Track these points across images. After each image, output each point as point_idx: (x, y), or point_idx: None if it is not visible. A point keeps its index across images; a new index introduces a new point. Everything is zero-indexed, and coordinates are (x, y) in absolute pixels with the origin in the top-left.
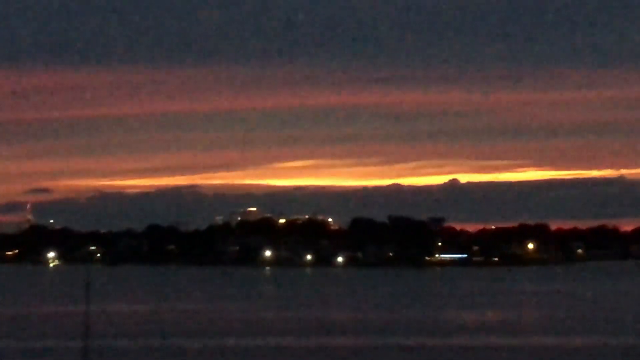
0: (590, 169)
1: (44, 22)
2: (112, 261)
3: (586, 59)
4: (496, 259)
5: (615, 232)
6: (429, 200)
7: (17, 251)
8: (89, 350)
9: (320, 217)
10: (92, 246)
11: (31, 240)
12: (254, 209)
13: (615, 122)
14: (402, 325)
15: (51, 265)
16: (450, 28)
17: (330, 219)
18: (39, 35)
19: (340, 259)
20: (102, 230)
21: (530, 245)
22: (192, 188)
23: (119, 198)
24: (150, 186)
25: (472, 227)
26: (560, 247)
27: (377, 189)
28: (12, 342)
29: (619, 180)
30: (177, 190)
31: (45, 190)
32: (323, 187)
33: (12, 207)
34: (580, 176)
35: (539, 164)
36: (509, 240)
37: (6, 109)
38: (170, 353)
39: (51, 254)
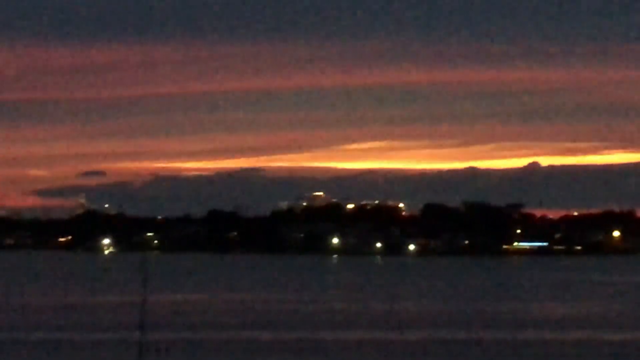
0: None
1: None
2: (169, 248)
3: None
4: (579, 247)
5: None
6: (507, 185)
7: (70, 238)
8: (145, 342)
9: (390, 203)
10: (149, 232)
11: (85, 226)
12: (321, 193)
13: None
14: (477, 317)
15: (106, 252)
16: (535, 5)
17: (401, 205)
18: (96, 12)
19: (411, 247)
20: (160, 216)
21: (616, 234)
22: (254, 171)
23: (177, 181)
24: (211, 169)
25: (553, 214)
26: None
27: (451, 172)
28: (65, 333)
29: None
30: (238, 174)
31: (99, 173)
32: (394, 171)
33: (65, 191)
34: None
35: (627, 146)
36: (593, 227)
37: (60, 88)
38: (230, 345)
39: (106, 241)
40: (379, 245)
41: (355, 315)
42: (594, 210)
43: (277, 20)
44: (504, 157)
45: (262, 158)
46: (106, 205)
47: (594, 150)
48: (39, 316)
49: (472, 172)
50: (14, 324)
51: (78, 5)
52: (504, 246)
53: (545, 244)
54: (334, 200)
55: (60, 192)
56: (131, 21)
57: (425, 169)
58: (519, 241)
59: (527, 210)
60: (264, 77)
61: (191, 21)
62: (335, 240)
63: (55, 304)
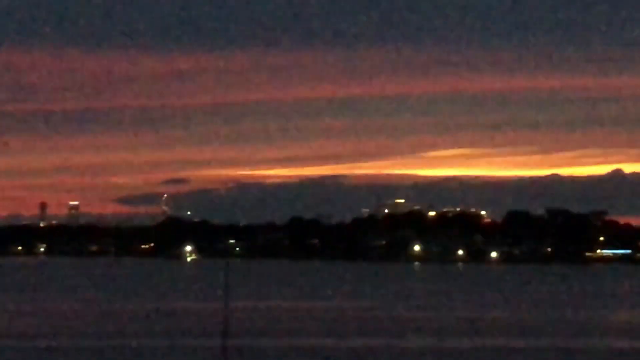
0: None
1: (184, 6)
2: (251, 255)
3: None
4: None
5: None
6: (590, 192)
7: (152, 245)
8: (228, 349)
9: (473, 210)
10: (231, 239)
11: (167, 234)
12: (402, 200)
13: None
14: (561, 326)
15: (188, 259)
16: (615, 12)
17: (483, 212)
18: (179, 20)
19: (494, 255)
20: (242, 223)
21: None
22: (336, 178)
23: (260, 189)
24: (292, 176)
25: (637, 221)
26: None
27: (534, 179)
28: (148, 340)
29: None
30: (320, 181)
31: (182, 181)
32: (476, 178)
33: (148, 198)
34: None
35: None
36: None
37: (144, 96)
38: (312, 352)
39: (188, 248)
40: (461, 252)
41: (437, 323)
42: None
43: (358, 27)
44: (587, 164)
45: (344, 165)
46: (189, 213)
47: None
48: (121, 323)
49: (555, 179)
50: (97, 331)
51: (161, 14)
52: (587, 254)
53: (628, 251)
54: (416, 207)
55: (143, 199)
56: (214, 29)
57: (507, 176)
58: (602, 248)
59: (611, 217)
60: (346, 85)
61: (273, 28)
62: (417, 248)
63: (138, 310)
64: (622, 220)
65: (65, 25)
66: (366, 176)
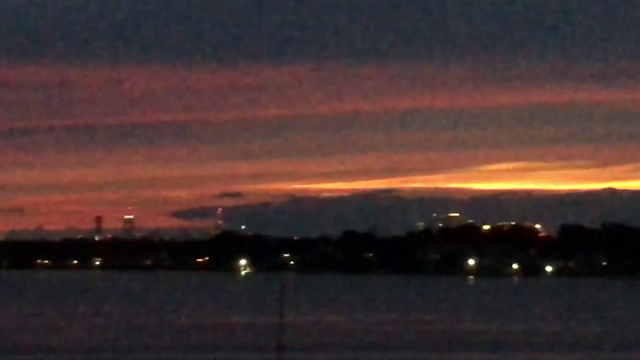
0: None
1: (241, 20)
2: (306, 269)
3: None
4: None
5: None
6: None
7: (207, 258)
8: None
9: (527, 224)
10: (286, 253)
11: (222, 247)
12: (457, 214)
13: None
14: (617, 339)
15: (242, 273)
16: None
17: (538, 226)
18: (237, 34)
19: (549, 269)
20: (296, 237)
21: None
22: (390, 192)
23: (314, 203)
24: (347, 190)
25: None
26: None
27: (589, 193)
28: (203, 354)
29: None
30: (375, 195)
31: (237, 195)
32: (530, 192)
33: (203, 212)
34: None
35: None
36: None
37: (199, 109)
38: None
39: (242, 262)
40: (515, 266)
41: (491, 337)
42: None
43: (417, 43)
44: None
45: (399, 179)
46: (243, 227)
47: None
48: (177, 336)
49: (611, 193)
50: (153, 345)
51: (218, 29)
52: None
53: None
54: (470, 221)
55: (198, 213)
56: (273, 43)
57: (562, 190)
58: None
59: None
60: (400, 98)
61: (330, 42)
62: (471, 262)
63: (192, 324)
64: None
65: (121, 40)
66: (421, 190)
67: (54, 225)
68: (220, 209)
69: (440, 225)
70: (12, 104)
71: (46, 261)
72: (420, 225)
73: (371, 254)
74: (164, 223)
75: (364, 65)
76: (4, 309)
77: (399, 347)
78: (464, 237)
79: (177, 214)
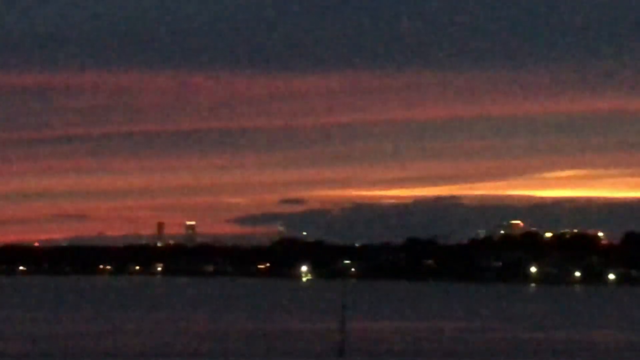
0: None
1: (299, 29)
2: (367, 276)
3: None
4: None
5: None
6: None
7: (268, 265)
8: None
9: (589, 231)
10: (347, 260)
11: (283, 254)
12: (518, 222)
13: None
14: None
15: (303, 279)
16: None
17: (600, 233)
18: (296, 41)
19: (612, 276)
20: (357, 243)
21: None
22: (452, 199)
23: (375, 209)
24: (409, 197)
25: None
26: None
27: None
28: (260, 359)
29: None
30: (437, 202)
31: (298, 201)
32: (593, 199)
33: (264, 218)
34: None
35: None
36: None
37: (261, 116)
38: None
39: (304, 268)
40: (577, 274)
41: (553, 345)
42: None
43: (477, 51)
44: None
45: (460, 186)
46: (304, 233)
47: None
48: (238, 343)
49: None
50: (215, 351)
51: (278, 36)
52: None
53: None
54: (532, 228)
55: (259, 219)
56: (329, 49)
57: (625, 197)
58: None
59: None
60: (462, 105)
61: (391, 49)
62: (533, 269)
63: (254, 330)
64: None
65: (184, 47)
66: (482, 197)
67: (116, 231)
68: (282, 216)
69: (502, 232)
70: (75, 110)
71: (108, 267)
72: (482, 232)
73: (433, 261)
74: (225, 229)
75: (426, 74)
76: (68, 313)
77: (461, 354)
78: (526, 244)
79: (239, 220)
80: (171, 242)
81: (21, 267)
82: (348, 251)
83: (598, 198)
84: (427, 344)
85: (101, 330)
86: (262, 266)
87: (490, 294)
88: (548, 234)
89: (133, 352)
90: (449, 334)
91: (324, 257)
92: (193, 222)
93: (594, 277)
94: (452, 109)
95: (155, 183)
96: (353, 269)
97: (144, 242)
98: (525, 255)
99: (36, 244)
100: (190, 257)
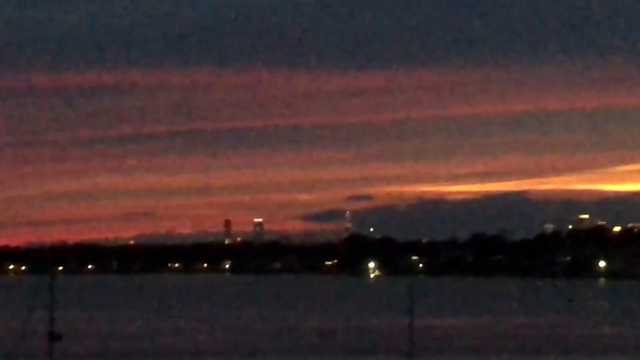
0: None
1: (360, 26)
2: (434, 272)
3: None
4: None
5: None
6: None
7: (335, 261)
8: None
9: None
10: (414, 256)
11: (351, 250)
12: (586, 216)
13: None
14: None
15: (371, 275)
16: None
17: None
18: (361, 39)
19: None
20: (424, 240)
21: None
22: (519, 194)
23: (442, 205)
24: (475, 192)
25: None
26: None
27: None
28: (335, 356)
29: None
30: (503, 197)
31: (365, 197)
32: None
33: (332, 215)
34: None
35: None
36: None
37: (326, 113)
38: None
39: (371, 264)
40: None
41: (624, 340)
42: None
43: (542, 42)
44: None
45: (528, 181)
46: (372, 229)
47: None
48: (307, 340)
49: None
50: (282, 348)
51: (348, 33)
52: None
53: None
54: (600, 223)
55: (326, 216)
56: (394, 46)
57: None
58: None
59: None
60: (529, 100)
61: (457, 45)
62: (601, 264)
63: (323, 328)
64: None
65: (253, 44)
66: (550, 192)
67: (184, 229)
68: (349, 212)
69: (570, 227)
70: (145, 108)
71: (176, 265)
72: (550, 227)
73: (500, 257)
74: (292, 226)
75: (494, 69)
76: (137, 312)
77: (531, 350)
78: (594, 239)
79: (306, 217)
80: (239, 239)
81: (90, 266)
82: (415, 247)
83: None
84: (497, 340)
85: (171, 328)
86: (329, 263)
87: (559, 289)
88: (616, 228)
89: (205, 350)
90: (519, 329)
91: (391, 253)
92: (261, 220)
93: None
94: (518, 104)
95: (222, 181)
96: (420, 265)
97: (211, 240)
98: (593, 250)
99: (104, 243)
100: (258, 255)
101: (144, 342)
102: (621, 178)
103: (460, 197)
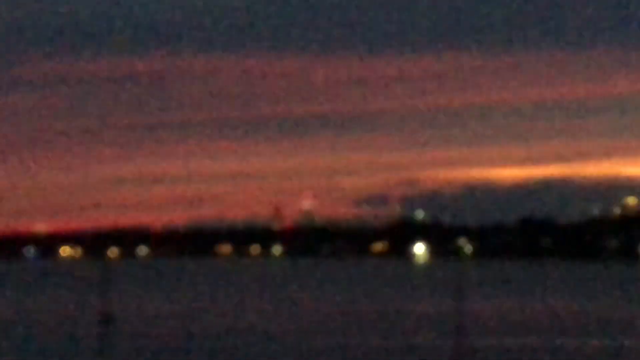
0: None
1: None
2: (482, 256)
3: None
4: None
5: None
6: None
7: (384, 246)
8: (462, 349)
9: None
10: (462, 240)
11: (399, 234)
12: (635, 199)
13: None
14: None
15: (419, 259)
16: None
17: None
18: (407, 23)
19: None
20: (472, 224)
21: None
22: (567, 178)
23: (490, 189)
24: (523, 177)
25: None
26: None
27: None
28: (383, 340)
29: None
30: (551, 181)
31: (414, 182)
32: None
33: (381, 198)
34: None
35: None
36: None
37: (372, 98)
38: (545, 353)
39: (420, 248)
40: None
41: None
42: None
43: (587, 28)
44: None
45: (575, 164)
46: (420, 213)
47: None
48: (354, 324)
49: None
50: (331, 330)
51: (395, 18)
52: None
53: None
54: None
55: (375, 200)
56: (447, 31)
57: None
58: None
59: None
60: (575, 84)
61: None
62: None
63: (371, 312)
64: None
65: (306, 30)
66: (599, 175)
67: (235, 213)
68: (397, 197)
69: (618, 211)
70: (193, 95)
71: (226, 249)
72: (598, 211)
73: (549, 240)
74: (342, 211)
75: (535, 54)
76: (187, 295)
77: (580, 333)
78: None
79: (355, 202)
80: (289, 224)
81: (142, 250)
82: (463, 232)
83: None
84: (545, 323)
85: (220, 312)
86: (378, 247)
87: (608, 273)
88: None
89: (254, 333)
90: (568, 313)
91: (439, 237)
92: (310, 204)
93: None
94: (564, 88)
95: (272, 165)
96: (468, 250)
97: (262, 224)
98: None
99: (155, 228)
100: (308, 239)
101: (194, 324)
102: None
103: (509, 181)
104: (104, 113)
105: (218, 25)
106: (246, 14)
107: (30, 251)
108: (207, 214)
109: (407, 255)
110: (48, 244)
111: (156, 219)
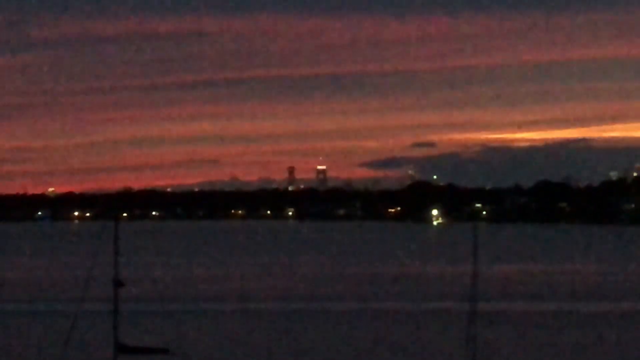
0: None
1: None
2: (498, 219)
3: None
4: None
5: None
6: None
7: (399, 209)
8: (476, 312)
9: None
10: (478, 203)
11: (414, 197)
12: None
13: None
14: None
15: (434, 222)
16: None
17: None
18: None
19: None
20: (488, 187)
21: None
22: (584, 141)
23: (506, 152)
24: (539, 140)
25: None
26: None
27: None
28: (397, 303)
29: None
30: (568, 144)
31: (429, 144)
32: None
33: (395, 162)
34: None
35: None
36: None
37: (393, 60)
38: (556, 316)
39: (435, 211)
40: None
41: None
42: None
43: None
44: None
45: (593, 128)
46: (435, 177)
47: None
48: (370, 286)
49: None
50: (344, 294)
51: None
52: None
53: None
54: None
55: (390, 163)
56: None
57: None
58: None
59: None
60: (593, 47)
61: None
62: None
63: (387, 274)
64: None
65: None
66: (615, 139)
67: (248, 175)
68: (413, 160)
69: (635, 174)
70: (209, 55)
71: (240, 211)
72: (615, 174)
73: (565, 204)
74: (356, 173)
75: (558, 16)
76: (199, 258)
77: (595, 296)
78: None
79: (370, 164)
80: (302, 186)
81: (154, 212)
82: (479, 195)
83: None
84: (560, 287)
85: (233, 274)
86: (393, 210)
87: (623, 236)
88: None
89: (265, 295)
90: (584, 276)
91: (454, 200)
92: (324, 167)
93: None
94: (582, 51)
95: (286, 128)
96: (484, 212)
97: (275, 186)
98: None
99: (169, 189)
100: (322, 202)
101: (207, 287)
102: None
103: (525, 144)
104: (113, 75)
105: None
106: None
107: (42, 213)
108: (220, 175)
109: (422, 219)
110: (60, 206)
111: (169, 181)
